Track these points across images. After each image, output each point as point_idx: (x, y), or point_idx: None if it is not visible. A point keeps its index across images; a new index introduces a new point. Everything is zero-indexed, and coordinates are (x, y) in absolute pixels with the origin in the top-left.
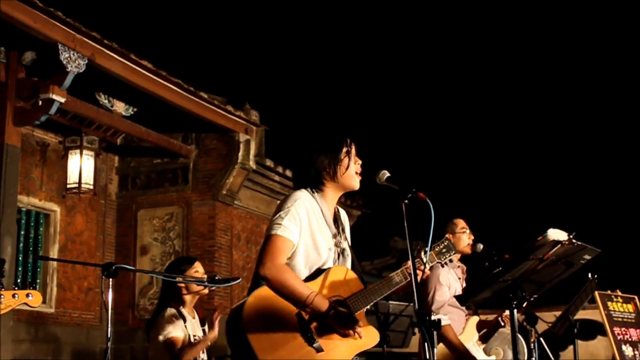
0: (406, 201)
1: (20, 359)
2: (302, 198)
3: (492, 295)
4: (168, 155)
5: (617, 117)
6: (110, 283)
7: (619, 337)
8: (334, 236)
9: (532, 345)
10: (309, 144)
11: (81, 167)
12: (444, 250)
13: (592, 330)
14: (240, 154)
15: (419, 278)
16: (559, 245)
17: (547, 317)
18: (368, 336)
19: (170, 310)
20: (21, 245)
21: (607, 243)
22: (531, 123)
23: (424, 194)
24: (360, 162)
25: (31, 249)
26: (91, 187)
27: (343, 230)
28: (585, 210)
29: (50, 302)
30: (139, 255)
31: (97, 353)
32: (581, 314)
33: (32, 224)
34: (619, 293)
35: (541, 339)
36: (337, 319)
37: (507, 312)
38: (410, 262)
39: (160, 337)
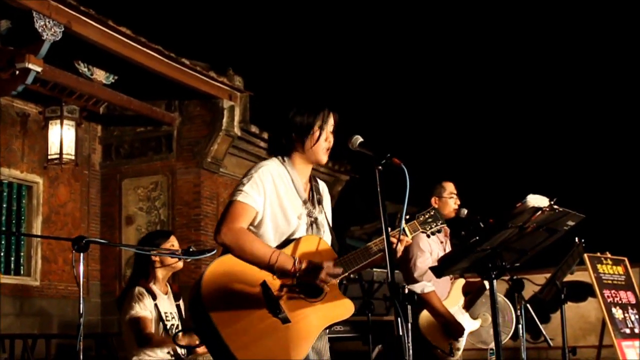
0: (380, 167)
1: (5, 333)
2: (268, 165)
3: (470, 265)
4: (151, 124)
5: (601, 80)
6: (82, 257)
7: (608, 300)
8: (305, 205)
9: (518, 311)
10: (285, 111)
11: (62, 137)
12: (429, 220)
13: (582, 291)
14: (225, 120)
15: (400, 247)
16: (540, 212)
17: (539, 280)
18: (342, 307)
19: (139, 289)
20: (4, 218)
21: (597, 205)
22: (516, 85)
23: (398, 159)
24: (332, 138)
25: (14, 221)
26: (73, 157)
27: (320, 202)
28: (576, 174)
29: (35, 275)
30: (125, 225)
31: (84, 325)
32: (571, 276)
33: (14, 196)
34: (609, 255)
35: (528, 305)
36: (306, 272)
37: None
38: (392, 232)
39: (127, 317)
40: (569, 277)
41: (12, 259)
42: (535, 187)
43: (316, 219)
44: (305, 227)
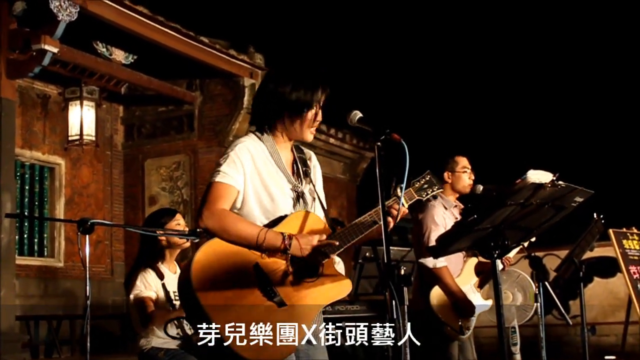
0: (379, 143)
1: (30, 314)
2: (244, 142)
3: (472, 244)
4: (173, 103)
5: (624, 41)
6: (87, 239)
7: (634, 276)
8: (289, 180)
9: (536, 290)
10: (277, 82)
11: (82, 118)
12: (425, 186)
13: (611, 267)
14: (246, 98)
15: (398, 217)
16: (542, 189)
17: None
18: (339, 286)
19: (146, 269)
20: (26, 200)
21: (625, 180)
22: (534, 49)
23: (398, 134)
24: (321, 115)
25: (37, 203)
26: (93, 138)
27: (306, 174)
28: (604, 150)
29: (59, 256)
30: (148, 205)
31: (109, 306)
32: (599, 252)
33: (36, 178)
34: (635, 230)
35: (547, 283)
36: (297, 248)
37: (508, 255)
38: (388, 202)
39: (132, 297)
40: (595, 253)
41: (36, 240)
42: (557, 162)
43: (302, 193)
44: (291, 202)
